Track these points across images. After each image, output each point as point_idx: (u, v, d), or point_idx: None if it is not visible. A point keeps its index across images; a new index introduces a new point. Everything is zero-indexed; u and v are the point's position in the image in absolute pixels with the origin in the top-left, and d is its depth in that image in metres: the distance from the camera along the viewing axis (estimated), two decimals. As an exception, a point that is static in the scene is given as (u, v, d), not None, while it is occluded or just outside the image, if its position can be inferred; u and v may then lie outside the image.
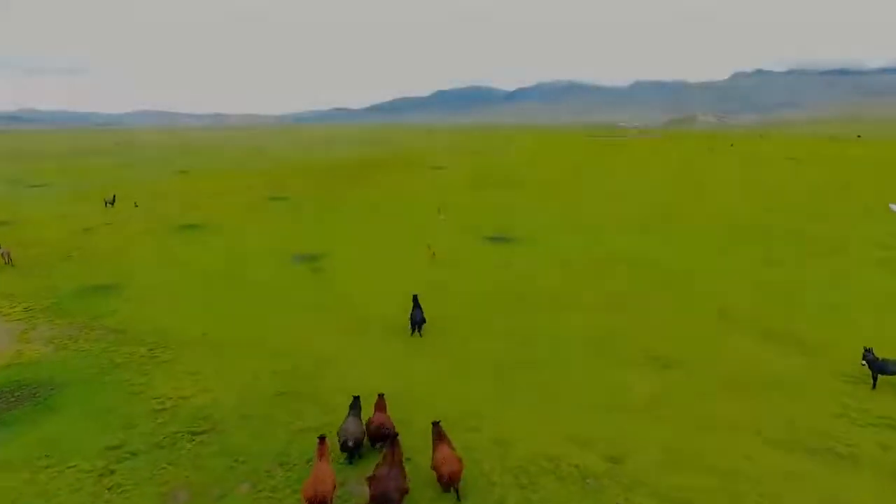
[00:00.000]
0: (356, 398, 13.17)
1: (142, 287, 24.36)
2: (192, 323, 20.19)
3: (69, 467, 12.04)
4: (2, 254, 27.92)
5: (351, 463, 12.27)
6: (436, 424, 11.92)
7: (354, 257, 29.54)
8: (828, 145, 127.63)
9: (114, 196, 48.17)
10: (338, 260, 28.99)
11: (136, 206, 47.79)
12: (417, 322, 18.96)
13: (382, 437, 12.54)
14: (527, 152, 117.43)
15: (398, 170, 78.71)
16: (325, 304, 22.17)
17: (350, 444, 12.02)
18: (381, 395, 13.55)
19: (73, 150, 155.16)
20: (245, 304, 22.19)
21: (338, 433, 12.32)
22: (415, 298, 19.40)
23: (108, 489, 11.40)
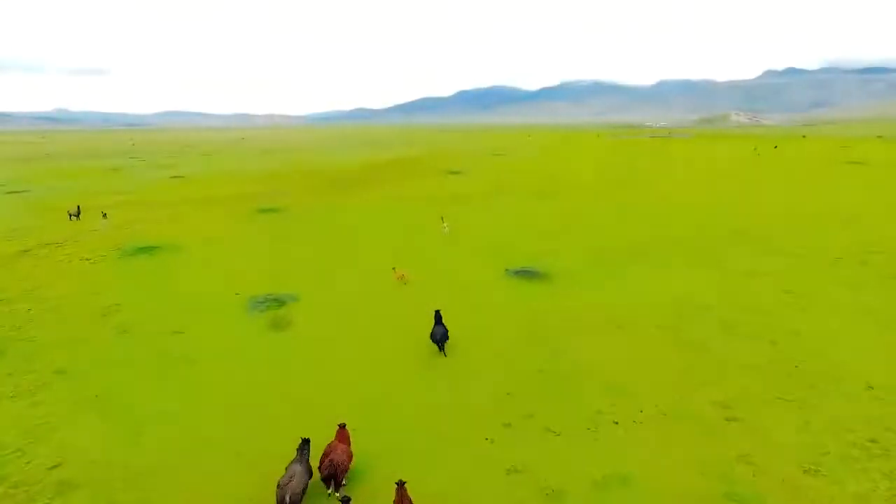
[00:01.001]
0: (306, 442, 10.86)
1: (17, 362, 17.08)
2: (48, 441, 12.80)
3: None
4: None
5: None
6: (401, 486, 9.91)
7: (333, 299, 22.01)
8: (884, 146, 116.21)
9: (78, 207, 41.63)
10: (310, 305, 21.48)
11: (105, 217, 41.21)
12: (439, 339, 16.74)
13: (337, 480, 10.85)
14: (555, 154, 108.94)
15: (410, 175, 71.19)
16: (268, 400, 14.58)
17: (288, 501, 9.95)
18: (342, 426, 11.68)
19: (86, 150, 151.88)
20: (149, 400, 14.74)
21: (278, 483, 10.18)
22: (437, 315, 17.14)
23: None
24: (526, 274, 25.23)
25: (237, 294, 22.88)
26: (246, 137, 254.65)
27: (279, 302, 21.82)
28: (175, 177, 74.07)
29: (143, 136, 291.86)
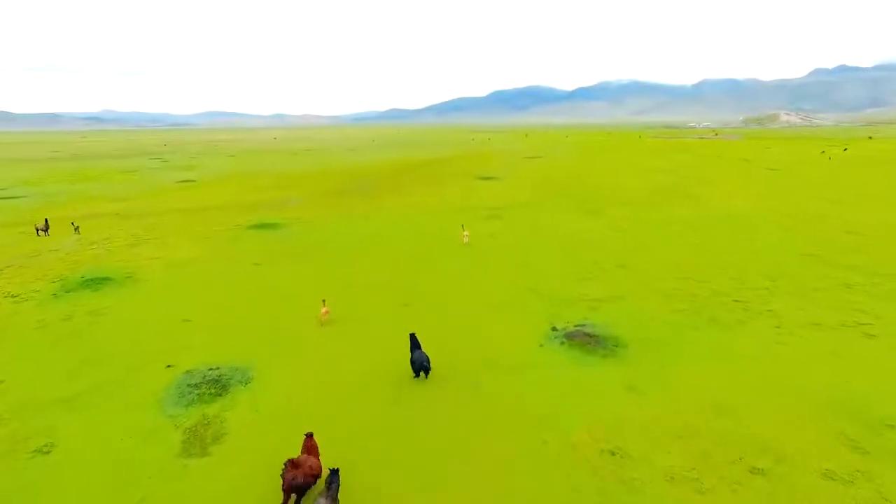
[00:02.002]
0: (335, 472, 9.64)
1: None
2: None
3: None
4: None
5: None
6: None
7: (301, 379, 14.89)
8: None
9: (46, 221, 35.89)
10: (264, 392, 14.39)
11: (77, 231, 35.52)
12: (422, 366, 14.60)
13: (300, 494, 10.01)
14: (597, 158, 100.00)
15: (438, 179, 63.93)
16: None
17: None
18: (309, 435, 10.85)
19: (115, 151, 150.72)
20: None
21: None
22: (413, 339, 15.20)
23: None
24: (583, 339, 17.55)
25: (169, 367, 16.01)
26: (278, 137, 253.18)
27: (220, 386, 14.78)
28: (185, 181, 68.90)
29: (179, 137, 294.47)
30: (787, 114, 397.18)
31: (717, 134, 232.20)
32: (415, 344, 15.16)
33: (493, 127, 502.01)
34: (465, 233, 31.00)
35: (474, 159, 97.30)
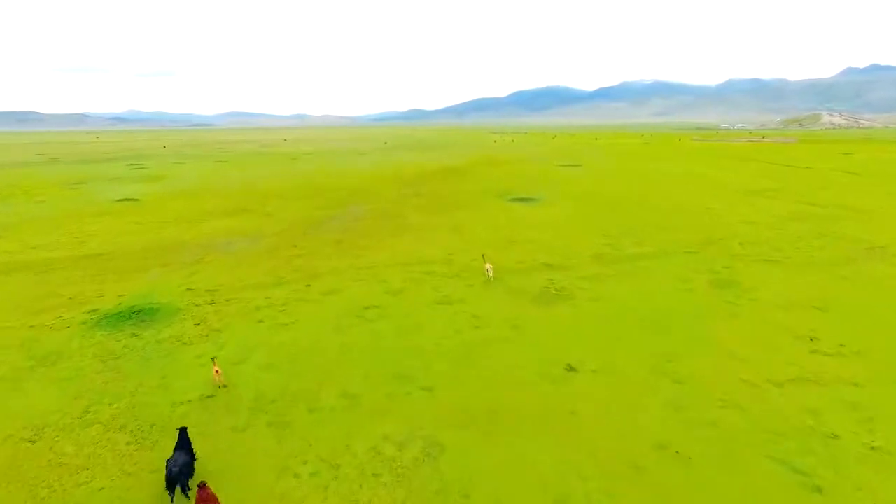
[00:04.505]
0: None
1: None
2: None
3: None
4: None
5: None
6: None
7: None
8: None
9: None
10: None
11: None
12: (175, 475, 10.16)
13: None
14: (648, 166, 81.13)
15: (454, 201, 46.31)
16: None
17: None
18: (202, 486, 9.52)
19: (101, 154, 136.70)
20: None
21: None
22: (182, 434, 11.25)
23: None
24: None
25: None
26: (288, 139, 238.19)
27: None
28: (126, 199, 52.52)
29: (191, 137, 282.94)
30: (830, 114, 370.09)
31: (763, 137, 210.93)
32: (182, 442, 11.05)
33: (514, 127, 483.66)
34: (488, 265, 24.85)
35: (501, 168, 79.54)
